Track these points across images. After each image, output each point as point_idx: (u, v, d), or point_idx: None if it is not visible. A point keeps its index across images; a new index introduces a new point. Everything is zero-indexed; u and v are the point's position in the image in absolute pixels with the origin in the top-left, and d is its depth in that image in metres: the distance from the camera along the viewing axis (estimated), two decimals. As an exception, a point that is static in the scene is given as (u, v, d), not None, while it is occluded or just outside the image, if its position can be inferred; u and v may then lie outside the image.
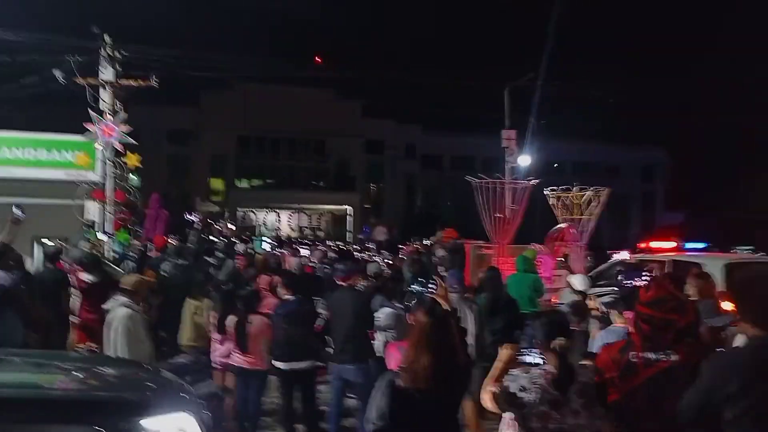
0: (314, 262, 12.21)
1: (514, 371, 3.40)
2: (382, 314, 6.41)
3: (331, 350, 6.94)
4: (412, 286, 4.83)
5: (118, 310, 5.64)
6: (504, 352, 3.60)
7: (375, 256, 13.55)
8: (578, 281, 7.32)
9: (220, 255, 10.34)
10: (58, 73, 13.51)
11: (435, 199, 46.21)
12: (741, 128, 37.44)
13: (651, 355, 3.08)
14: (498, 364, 3.51)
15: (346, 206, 43.23)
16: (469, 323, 6.28)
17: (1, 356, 4.59)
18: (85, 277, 8.40)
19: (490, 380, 3.46)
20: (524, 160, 23.61)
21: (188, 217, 11.66)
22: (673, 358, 3.05)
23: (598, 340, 4.99)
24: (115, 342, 5.53)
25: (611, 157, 48.96)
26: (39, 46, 14.16)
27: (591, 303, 7.63)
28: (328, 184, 45.06)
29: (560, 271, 11.65)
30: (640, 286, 5.76)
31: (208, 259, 10.23)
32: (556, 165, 41.84)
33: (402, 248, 16.10)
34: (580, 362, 3.50)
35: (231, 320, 6.60)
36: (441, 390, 3.22)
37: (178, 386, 4.65)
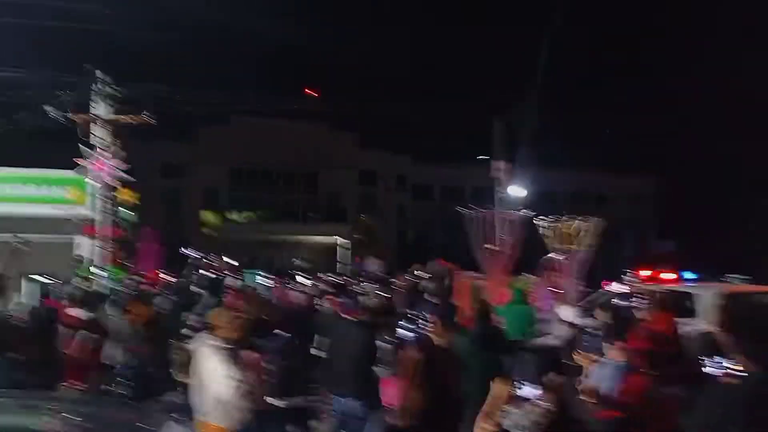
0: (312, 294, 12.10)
1: (508, 407, 3.36)
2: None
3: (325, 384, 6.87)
4: (402, 323, 4.77)
5: (202, 348, 5.33)
6: (497, 387, 3.57)
7: (370, 288, 13.45)
8: (567, 313, 7.26)
9: (197, 290, 10.21)
10: (50, 109, 13.57)
11: (426, 230, 46.26)
12: (733, 156, 37.83)
13: (674, 391, 3.06)
14: (491, 400, 3.47)
15: (338, 238, 43.18)
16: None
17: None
18: (75, 312, 8.33)
19: (483, 416, 3.41)
20: (516, 191, 23.73)
21: (184, 251, 11.60)
22: (691, 392, 3.04)
23: (595, 375, 4.95)
24: (206, 381, 5.25)
25: (603, 186, 49.30)
26: (31, 83, 14.23)
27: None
28: (321, 215, 45.08)
29: (553, 302, 11.62)
30: (638, 319, 5.76)
31: (211, 298, 10.16)
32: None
33: (394, 280, 16.02)
34: (578, 397, 3.45)
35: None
36: (433, 427, 3.17)
37: (168, 426, 4.59)
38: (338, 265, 40.25)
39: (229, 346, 5.35)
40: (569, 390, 3.44)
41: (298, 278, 14.67)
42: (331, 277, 19.01)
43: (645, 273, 16.12)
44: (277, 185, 45.34)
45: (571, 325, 6.93)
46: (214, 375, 5.16)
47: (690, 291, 9.78)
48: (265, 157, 41.90)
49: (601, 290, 12.77)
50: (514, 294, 9.67)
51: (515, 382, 3.79)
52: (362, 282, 13.40)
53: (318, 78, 47.92)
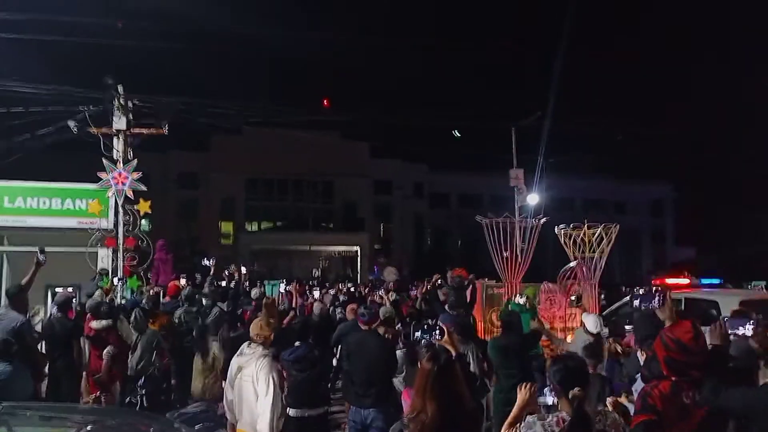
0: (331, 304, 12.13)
1: (530, 417, 3.35)
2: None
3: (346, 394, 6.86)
4: (416, 333, 4.78)
5: (252, 359, 5.26)
6: (521, 395, 3.57)
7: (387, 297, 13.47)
8: (591, 322, 7.21)
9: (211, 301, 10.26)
10: (71, 124, 13.74)
11: (444, 238, 46.18)
12: (750, 162, 37.40)
13: (699, 397, 3.03)
14: (516, 408, 3.47)
15: (356, 247, 43.22)
16: (471, 365, 6.27)
17: (11, 410, 4.56)
18: (95, 324, 8.42)
19: (507, 425, 3.41)
20: (533, 198, 23.63)
21: (204, 262, 11.68)
22: (713, 397, 3.02)
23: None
24: (250, 389, 5.20)
25: (620, 194, 48.98)
26: (53, 97, 14.43)
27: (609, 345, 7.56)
28: (337, 225, 45.17)
29: (573, 310, 11.54)
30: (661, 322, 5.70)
31: (221, 305, 10.21)
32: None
33: (413, 289, 16.03)
34: (599, 408, 3.43)
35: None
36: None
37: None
38: (357, 274, 40.34)
39: (271, 355, 5.41)
40: (591, 401, 3.42)
41: (316, 288, 14.71)
42: (350, 287, 19.05)
43: (664, 280, 15.96)
44: (293, 195, 45.51)
45: (592, 334, 6.88)
46: (261, 383, 5.15)
47: (714, 298, 9.65)
48: (279, 167, 42.09)
49: (625, 299, 12.66)
50: (516, 305, 9.63)
51: (540, 390, 3.78)
52: (380, 291, 13.40)
53: (331, 88, 48.09)
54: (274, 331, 5.53)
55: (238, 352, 5.44)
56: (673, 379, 3.09)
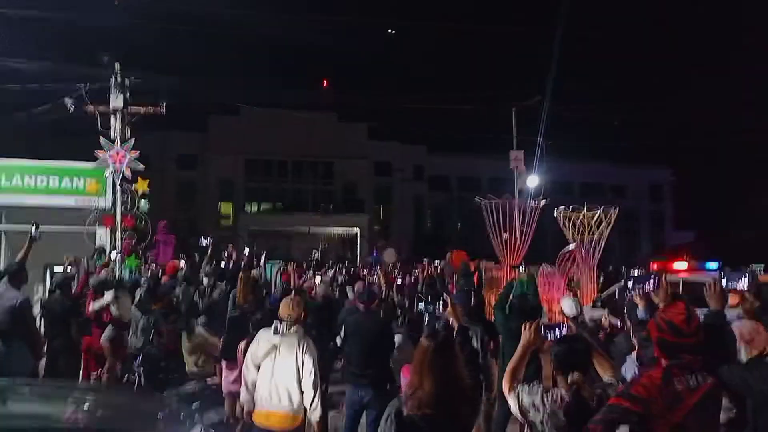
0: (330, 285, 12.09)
1: (534, 385, 3.37)
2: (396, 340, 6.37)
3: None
4: (421, 306, 4.79)
5: (293, 337, 5.19)
6: (524, 334, 3.67)
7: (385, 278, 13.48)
8: (567, 306, 7.09)
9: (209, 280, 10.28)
10: (68, 102, 13.66)
11: (443, 220, 46.20)
12: (748, 145, 37.33)
13: (692, 381, 3.00)
14: (519, 350, 3.59)
15: (355, 228, 43.21)
16: (475, 345, 6.25)
17: (10, 386, 4.57)
18: (98, 304, 8.43)
19: (509, 373, 3.50)
20: (533, 181, 23.58)
21: (201, 241, 11.63)
22: (710, 380, 3.00)
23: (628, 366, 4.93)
24: (298, 372, 5.12)
25: (619, 177, 48.93)
26: (50, 75, 14.35)
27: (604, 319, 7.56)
28: (337, 206, 45.14)
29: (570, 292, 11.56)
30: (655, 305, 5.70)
31: (220, 284, 10.21)
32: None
33: (414, 270, 16.03)
34: (597, 391, 3.40)
35: (242, 346, 6.53)
36: (446, 415, 3.16)
37: (187, 415, 4.61)
38: (357, 255, 40.37)
39: (306, 334, 5.33)
40: (589, 382, 3.41)
41: (313, 270, 14.69)
42: (349, 268, 19.07)
43: (662, 262, 15.96)
44: (292, 176, 45.41)
45: (572, 319, 6.82)
46: (307, 363, 5.10)
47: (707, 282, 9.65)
48: (278, 148, 41.95)
49: (620, 283, 12.67)
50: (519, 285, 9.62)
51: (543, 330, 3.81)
52: (378, 272, 13.40)
53: (330, 69, 47.80)
54: (304, 311, 5.45)
55: (269, 330, 5.25)
56: (665, 364, 3.07)
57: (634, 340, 5.76)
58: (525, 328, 3.70)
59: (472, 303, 7.64)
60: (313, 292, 9.93)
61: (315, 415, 5.13)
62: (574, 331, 4.35)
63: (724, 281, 4.60)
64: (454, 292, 9.75)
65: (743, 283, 4.21)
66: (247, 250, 13.68)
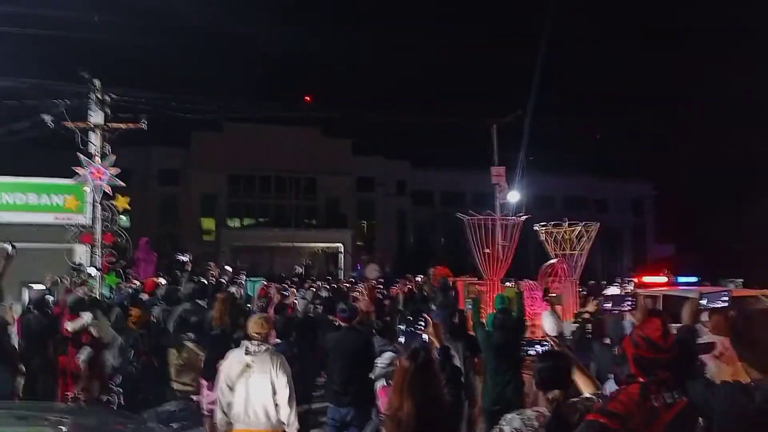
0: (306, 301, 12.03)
1: (510, 414, 3.35)
2: (383, 359, 6.34)
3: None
4: (400, 325, 4.78)
5: (264, 355, 5.22)
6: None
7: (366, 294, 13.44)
8: (548, 324, 7.11)
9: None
10: (47, 118, 13.55)
11: (426, 235, 46.24)
12: (729, 159, 37.88)
13: (669, 398, 3.00)
14: None
15: (338, 244, 43.13)
16: (456, 363, 6.25)
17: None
18: (70, 326, 8.31)
19: None
20: (514, 196, 23.71)
21: (179, 257, 11.54)
22: (685, 397, 3.00)
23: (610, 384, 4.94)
24: (272, 388, 5.15)
25: (600, 191, 49.37)
26: (28, 91, 14.22)
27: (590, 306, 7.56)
28: (320, 221, 45.04)
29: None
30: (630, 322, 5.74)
31: (199, 302, 10.10)
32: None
33: (394, 286, 16.01)
34: (577, 405, 3.39)
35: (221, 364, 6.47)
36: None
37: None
38: (340, 271, 40.25)
39: (275, 351, 5.35)
40: (569, 398, 3.41)
41: (294, 287, 14.61)
42: (331, 284, 18.99)
43: (641, 277, 16.12)
44: (275, 191, 45.29)
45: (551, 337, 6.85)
46: (280, 378, 5.13)
47: (692, 296, 9.74)
48: (261, 164, 41.90)
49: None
50: (499, 302, 9.65)
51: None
52: (360, 288, 13.37)
53: (313, 84, 47.92)
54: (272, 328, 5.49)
55: (240, 351, 5.29)
56: (641, 381, 3.08)
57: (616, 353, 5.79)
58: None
59: (455, 319, 7.66)
60: (293, 309, 9.87)
61: (292, 430, 5.12)
62: (556, 347, 4.34)
63: (703, 301, 4.63)
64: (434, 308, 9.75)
65: (725, 302, 4.28)
66: (228, 268, 13.60)
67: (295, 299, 11.63)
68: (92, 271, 11.92)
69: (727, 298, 4.50)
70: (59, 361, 8.40)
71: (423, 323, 4.56)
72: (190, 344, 7.46)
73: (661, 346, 3.08)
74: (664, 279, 13.50)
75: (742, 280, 13.46)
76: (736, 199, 38.99)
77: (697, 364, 4.34)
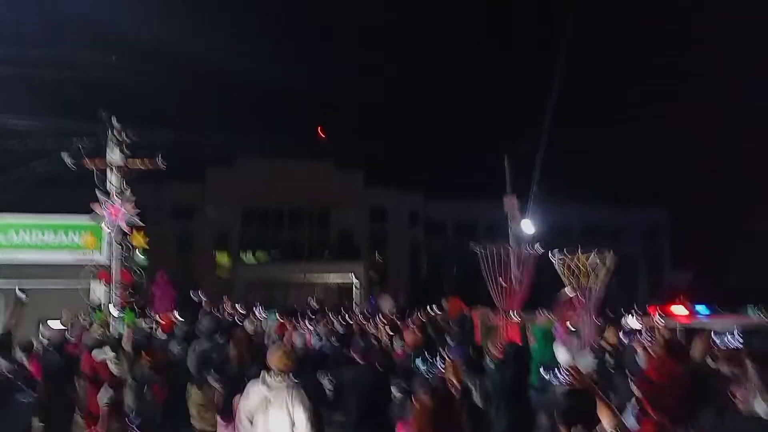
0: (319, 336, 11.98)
1: None
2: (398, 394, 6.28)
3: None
4: (417, 362, 4.74)
5: (282, 389, 5.22)
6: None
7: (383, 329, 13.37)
8: (562, 354, 6.99)
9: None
10: (66, 157, 13.75)
11: (440, 266, 46.05)
12: (744, 183, 37.63)
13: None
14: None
15: (352, 276, 43.02)
16: (475, 398, 6.18)
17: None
18: (96, 363, 8.31)
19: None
20: (527, 226, 23.56)
21: (194, 296, 11.58)
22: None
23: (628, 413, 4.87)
24: (291, 421, 5.15)
25: (615, 219, 49.06)
26: (46, 131, 14.47)
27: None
28: (333, 254, 45.02)
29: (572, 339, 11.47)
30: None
31: (217, 337, 10.09)
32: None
33: (408, 320, 15.88)
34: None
35: (237, 400, 6.45)
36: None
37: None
38: (354, 304, 40.09)
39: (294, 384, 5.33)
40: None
41: (311, 320, 14.58)
42: (345, 318, 18.90)
43: (660, 308, 15.92)
44: (288, 225, 45.44)
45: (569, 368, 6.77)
46: (298, 412, 5.11)
47: (706, 327, 9.61)
48: (273, 198, 42.17)
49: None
50: (537, 336, 9.59)
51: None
52: (376, 323, 13.29)
53: (325, 118, 48.35)
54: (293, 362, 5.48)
55: (258, 383, 5.30)
56: (655, 419, 3.06)
57: (634, 388, 5.73)
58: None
59: (471, 353, 7.58)
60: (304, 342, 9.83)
61: None
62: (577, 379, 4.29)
63: (716, 339, 4.59)
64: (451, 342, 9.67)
65: (730, 339, 4.21)
66: (239, 306, 13.59)
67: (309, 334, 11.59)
68: (114, 311, 11.96)
69: (740, 338, 4.41)
70: (80, 401, 8.39)
71: (440, 361, 4.52)
72: (213, 382, 7.44)
73: (675, 380, 3.07)
74: (684, 310, 13.31)
75: (760, 306, 13.24)
76: (754, 226, 38.53)
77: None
